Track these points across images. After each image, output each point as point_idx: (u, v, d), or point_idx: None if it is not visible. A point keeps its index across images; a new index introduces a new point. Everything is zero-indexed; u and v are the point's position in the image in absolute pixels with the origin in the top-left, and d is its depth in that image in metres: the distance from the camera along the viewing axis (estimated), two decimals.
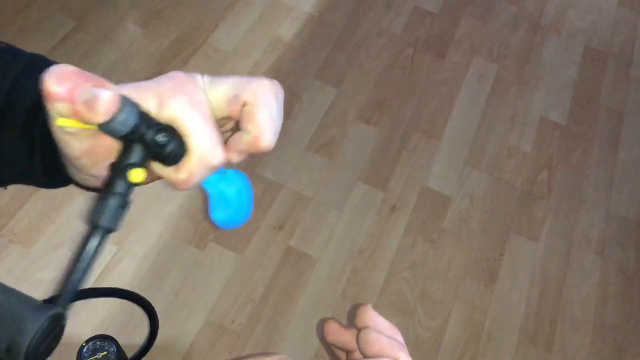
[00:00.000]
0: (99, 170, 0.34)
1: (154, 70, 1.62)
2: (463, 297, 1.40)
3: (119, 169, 0.31)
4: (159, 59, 1.65)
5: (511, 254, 1.48)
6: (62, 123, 0.29)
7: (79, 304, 1.24)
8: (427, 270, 1.42)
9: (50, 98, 0.28)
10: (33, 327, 0.29)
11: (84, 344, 1.04)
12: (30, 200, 1.35)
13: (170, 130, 0.32)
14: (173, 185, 0.33)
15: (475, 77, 1.81)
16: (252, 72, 1.67)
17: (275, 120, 0.34)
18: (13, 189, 1.36)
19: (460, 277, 1.43)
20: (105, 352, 1.04)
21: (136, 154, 0.31)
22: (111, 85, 0.29)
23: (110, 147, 0.32)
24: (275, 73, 1.69)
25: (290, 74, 1.70)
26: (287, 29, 1.79)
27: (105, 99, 0.28)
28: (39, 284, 1.25)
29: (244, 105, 0.34)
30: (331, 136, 1.59)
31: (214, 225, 0.38)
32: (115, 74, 1.60)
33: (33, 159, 0.37)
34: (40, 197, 1.36)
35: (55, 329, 0.31)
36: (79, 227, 1.35)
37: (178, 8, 1.77)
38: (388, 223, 1.47)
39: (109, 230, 0.31)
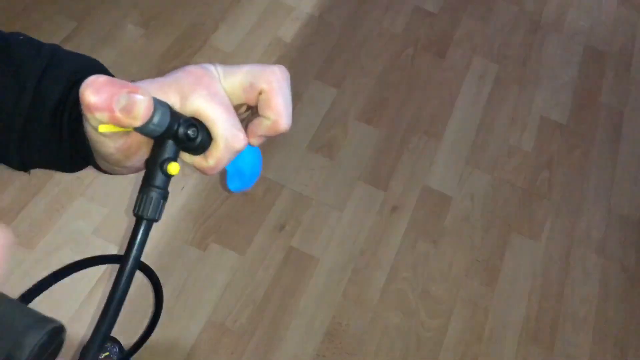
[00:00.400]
0: (130, 163, 0.36)
1: (155, 71, 1.63)
2: (464, 296, 1.40)
3: (156, 164, 0.33)
4: (159, 59, 1.65)
5: (512, 253, 1.49)
6: (104, 129, 0.31)
7: (79, 305, 1.24)
8: (428, 270, 1.43)
9: (90, 109, 0.30)
10: (32, 341, 0.29)
11: None
12: (32, 202, 1.35)
13: (197, 123, 0.34)
14: (202, 171, 0.36)
15: (475, 77, 1.81)
16: None
17: (289, 104, 0.37)
18: (14, 190, 1.36)
19: (461, 277, 1.43)
20: (107, 353, 1.04)
21: (170, 148, 0.34)
22: (143, 89, 0.31)
23: (142, 142, 0.35)
24: None
25: (290, 75, 1.69)
26: (288, 30, 1.79)
27: (141, 104, 0.30)
28: None
29: (260, 93, 0.37)
30: (332, 136, 1.59)
31: (228, 192, 0.42)
32: (116, 75, 1.59)
33: (62, 149, 0.39)
34: (42, 199, 1.36)
35: (54, 343, 0.30)
36: (80, 228, 1.35)
37: (178, 9, 1.77)
38: (389, 223, 1.47)
39: (153, 221, 0.34)
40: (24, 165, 0.41)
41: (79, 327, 1.22)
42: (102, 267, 1.30)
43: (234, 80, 0.36)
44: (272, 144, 1.54)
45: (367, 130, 1.62)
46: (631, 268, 1.51)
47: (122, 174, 0.40)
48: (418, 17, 1.91)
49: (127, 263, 0.33)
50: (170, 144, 0.33)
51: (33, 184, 1.38)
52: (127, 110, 0.30)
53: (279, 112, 0.36)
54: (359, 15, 1.88)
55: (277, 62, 1.71)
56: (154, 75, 0.36)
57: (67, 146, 0.40)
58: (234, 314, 1.30)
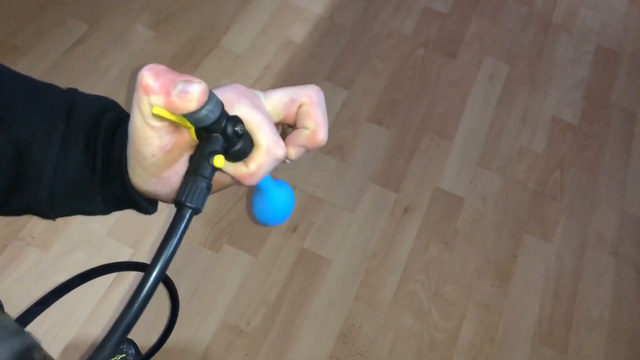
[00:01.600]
0: (168, 173, 0.36)
1: None
2: (477, 298, 1.40)
3: (204, 155, 0.33)
4: (170, 61, 1.65)
5: (525, 254, 1.48)
6: (157, 111, 0.31)
7: (94, 306, 1.25)
8: (440, 271, 1.42)
9: (147, 91, 0.31)
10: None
11: None
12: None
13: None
14: (240, 180, 0.36)
15: (486, 77, 1.81)
16: (264, 75, 1.68)
17: (327, 119, 0.39)
18: None
19: (473, 278, 1.43)
20: (123, 355, 1.04)
21: (218, 142, 0.33)
22: (198, 80, 0.32)
23: (184, 147, 0.35)
24: (286, 75, 1.69)
25: (301, 76, 1.70)
26: (298, 31, 1.80)
27: (198, 89, 0.30)
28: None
29: (300, 106, 0.38)
30: (343, 138, 1.59)
31: (255, 221, 0.42)
32: (127, 77, 1.60)
33: (94, 177, 0.39)
34: None
35: None
36: (94, 230, 1.36)
37: (189, 11, 1.78)
38: (401, 224, 1.47)
39: (197, 211, 0.33)
40: (52, 203, 0.40)
41: (94, 327, 1.23)
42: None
43: (274, 97, 0.38)
44: None
45: (378, 131, 1.62)
46: None
47: (156, 197, 0.39)
48: (428, 17, 1.91)
49: (164, 250, 0.31)
50: (218, 138, 0.33)
51: None
52: (184, 93, 0.30)
53: (318, 121, 0.38)
54: (368, 16, 1.88)
55: (288, 63, 1.71)
56: None
57: (100, 178, 0.39)
58: (248, 316, 1.30)
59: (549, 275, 1.46)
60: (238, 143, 0.34)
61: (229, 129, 0.33)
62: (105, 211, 0.42)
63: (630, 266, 1.50)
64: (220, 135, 0.33)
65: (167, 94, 0.31)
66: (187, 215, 0.32)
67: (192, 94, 0.30)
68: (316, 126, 0.38)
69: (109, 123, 0.39)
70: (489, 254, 1.47)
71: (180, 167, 0.36)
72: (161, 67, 0.31)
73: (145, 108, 0.32)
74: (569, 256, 1.50)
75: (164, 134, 0.34)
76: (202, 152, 0.33)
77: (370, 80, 1.73)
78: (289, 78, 1.69)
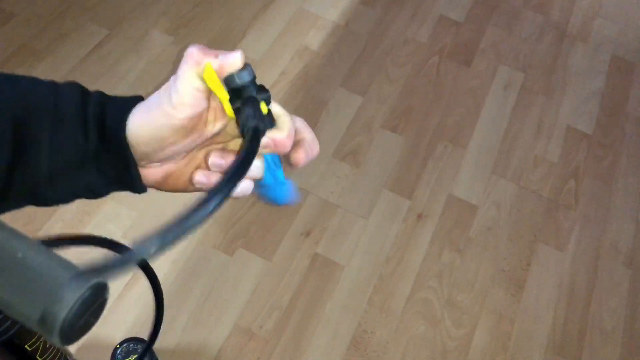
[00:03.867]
0: (185, 145, 0.40)
1: None
2: (490, 306, 1.40)
3: (251, 103, 0.37)
4: None
5: (538, 263, 1.48)
6: (209, 72, 0.36)
7: (111, 308, 1.26)
8: (453, 279, 1.42)
9: (201, 56, 0.37)
10: (72, 296, 0.25)
11: (118, 345, 1.06)
12: (64, 206, 1.38)
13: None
14: (279, 145, 0.39)
15: (501, 86, 1.81)
16: (279, 80, 1.69)
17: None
18: None
19: (487, 287, 1.42)
20: (137, 355, 1.05)
21: (255, 103, 0.37)
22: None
23: (200, 128, 0.39)
24: (301, 81, 1.70)
25: (316, 82, 1.71)
26: (314, 38, 1.81)
27: (238, 53, 0.37)
28: None
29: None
30: (357, 144, 1.60)
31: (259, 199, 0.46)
32: (145, 82, 1.63)
33: (88, 145, 0.40)
34: (73, 203, 1.39)
35: (96, 302, 0.27)
36: (110, 232, 1.37)
37: (207, 17, 1.80)
38: (414, 231, 1.48)
39: (263, 133, 0.37)
40: (52, 179, 0.40)
41: (109, 329, 1.24)
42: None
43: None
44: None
45: (393, 138, 1.63)
46: None
47: (152, 180, 0.43)
48: (443, 26, 1.92)
49: (234, 171, 0.33)
50: (254, 99, 0.37)
51: None
52: (230, 55, 0.36)
53: (313, 135, 0.44)
54: (384, 24, 1.89)
55: (304, 69, 1.73)
56: None
57: (94, 146, 0.41)
58: (260, 320, 1.31)
59: (562, 284, 1.46)
60: (267, 106, 0.38)
61: (261, 92, 0.37)
62: (102, 186, 0.43)
63: None
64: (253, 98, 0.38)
65: (217, 56, 0.36)
66: (258, 138, 0.36)
67: (236, 54, 0.37)
68: (313, 137, 0.43)
69: (98, 97, 0.41)
70: (502, 263, 1.46)
71: (197, 140, 0.40)
72: (203, 45, 0.38)
73: (192, 75, 0.37)
74: (583, 266, 1.49)
75: (199, 100, 0.38)
76: (247, 107, 0.37)
77: (385, 88, 1.74)
78: (305, 84, 1.70)
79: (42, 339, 0.65)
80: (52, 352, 0.70)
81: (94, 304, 0.27)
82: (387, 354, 1.31)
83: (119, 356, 1.05)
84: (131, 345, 1.07)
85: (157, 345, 1.23)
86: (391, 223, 1.48)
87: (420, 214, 1.51)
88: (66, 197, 0.43)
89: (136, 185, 0.44)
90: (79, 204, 1.39)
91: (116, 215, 1.40)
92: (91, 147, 0.40)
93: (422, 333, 1.34)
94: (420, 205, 1.52)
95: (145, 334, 1.17)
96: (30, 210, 1.45)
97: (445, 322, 1.36)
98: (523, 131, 1.72)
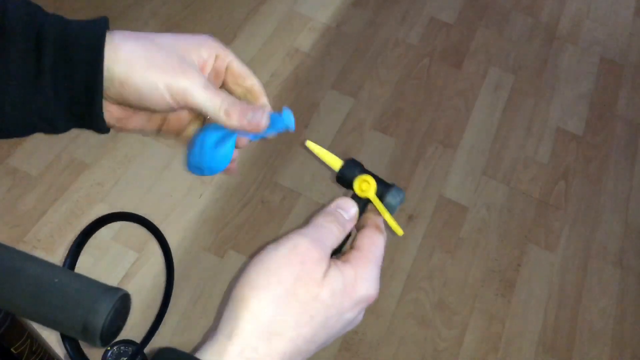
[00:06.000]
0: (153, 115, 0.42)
1: None
2: (480, 307, 1.40)
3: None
4: None
5: (528, 264, 1.48)
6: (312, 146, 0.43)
7: None
8: (444, 280, 1.43)
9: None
10: (106, 307, 0.31)
11: (109, 348, 1.05)
12: (53, 207, 1.37)
13: None
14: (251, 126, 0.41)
15: (491, 88, 1.82)
16: (270, 82, 1.69)
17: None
18: (36, 195, 1.38)
19: (477, 287, 1.43)
20: (127, 358, 1.04)
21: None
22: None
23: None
24: (292, 83, 1.70)
25: (307, 84, 1.71)
26: (305, 40, 1.81)
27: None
28: None
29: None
30: (348, 145, 1.60)
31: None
32: None
33: (41, 80, 0.36)
34: (63, 204, 1.38)
35: (124, 309, 0.33)
36: (100, 234, 1.36)
37: (197, 18, 1.80)
38: (405, 232, 1.48)
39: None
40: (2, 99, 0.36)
41: None
42: (123, 272, 1.32)
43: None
44: (289, 152, 1.56)
45: (384, 139, 1.63)
46: None
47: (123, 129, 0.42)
48: (434, 27, 1.93)
49: None
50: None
51: (54, 189, 1.40)
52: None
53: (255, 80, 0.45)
54: (375, 26, 1.89)
55: (294, 71, 1.73)
56: None
57: (50, 78, 0.36)
58: None
59: (552, 285, 1.46)
60: None
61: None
62: (58, 115, 0.38)
63: (634, 277, 1.50)
64: None
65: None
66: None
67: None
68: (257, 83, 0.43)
69: (57, 29, 0.37)
70: (493, 263, 1.47)
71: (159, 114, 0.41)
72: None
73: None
74: (572, 266, 1.50)
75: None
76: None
77: (376, 89, 1.74)
78: (296, 86, 1.70)
79: (28, 341, 0.65)
80: (39, 355, 0.69)
81: (122, 312, 0.33)
82: (377, 356, 1.31)
83: (110, 359, 1.04)
84: (122, 347, 1.06)
85: (147, 347, 1.22)
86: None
87: (411, 215, 1.51)
88: (20, 126, 0.37)
89: (98, 119, 0.38)
90: (69, 207, 1.38)
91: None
92: (46, 61, 0.35)
93: (413, 334, 1.34)
94: (411, 206, 1.53)
95: (136, 336, 1.17)
96: (17, 213, 1.43)
97: (436, 322, 1.36)
98: (513, 132, 1.73)
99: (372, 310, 1.36)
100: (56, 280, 0.32)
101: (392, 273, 1.41)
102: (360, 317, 0.37)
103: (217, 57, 0.42)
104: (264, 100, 0.43)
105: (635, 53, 2.00)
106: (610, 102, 1.86)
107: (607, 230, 1.57)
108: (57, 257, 1.31)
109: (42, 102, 0.36)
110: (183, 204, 1.43)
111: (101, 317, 0.31)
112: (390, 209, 0.41)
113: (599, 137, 1.77)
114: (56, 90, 0.36)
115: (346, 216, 0.39)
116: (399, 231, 0.40)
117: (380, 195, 0.41)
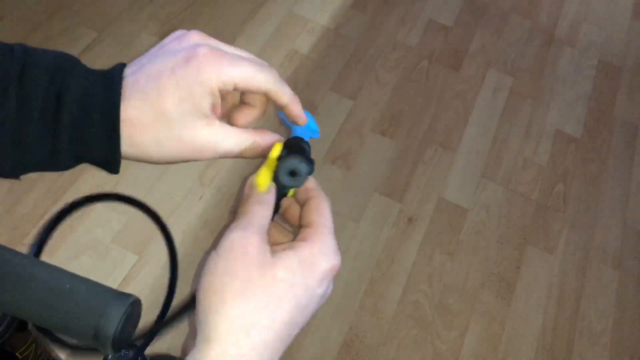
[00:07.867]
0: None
1: None
2: (480, 309, 1.40)
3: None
4: None
5: (528, 266, 1.49)
6: (275, 152, 0.40)
7: None
8: (444, 282, 1.43)
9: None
10: (118, 313, 0.31)
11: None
12: (53, 209, 1.37)
13: None
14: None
15: (490, 90, 1.82)
16: None
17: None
18: (36, 197, 1.38)
19: (477, 289, 1.43)
20: None
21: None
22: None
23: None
24: (292, 85, 1.69)
25: (306, 86, 1.71)
26: (304, 42, 1.81)
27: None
28: None
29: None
30: (347, 148, 1.60)
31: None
32: None
33: (58, 146, 0.37)
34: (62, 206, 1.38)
35: (135, 314, 0.33)
36: (99, 236, 1.36)
37: (196, 20, 1.80)
38: (405, 234, 1.48)
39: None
40: (16, 170, 0.38)
41: None
42: (122, 275, 1.31)
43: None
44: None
45: (383, 141, 1.63)
46: None
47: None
48: (433, 30, 1.93)
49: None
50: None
51: (54, 192, 1.40)
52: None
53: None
54: (374, 28, 1.90)
55: (294, 73, 1.73)
56: None
57: (66, 141, 0.37)
58: None
59: (552, 287, 1.46)
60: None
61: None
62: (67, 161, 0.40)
63: (633, 279, 1.50)
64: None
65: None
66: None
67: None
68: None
69: (76, 94, 0.37)
70: (492, 265, 1.47)
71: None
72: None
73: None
74: (572, 268, 1.50)
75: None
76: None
77: (375, 92, 1.74)
78: (295, 88, 1.69)
79: (33, 346, 0.65)
80: (43, 359, 0.69)
81: (133, 318, 0.33)
82: (378, 358, 1.31)
83: None
84: (123, 351, 1.06)
85: (147, 351, 1.21)
86: (382, 226, 1.48)
87: (410, 217, 1.51)
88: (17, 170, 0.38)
89: (114, 167, 0.40)
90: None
91: (106, 220, 1.39)
92: (62, 148, 0.37)
93: (413, 336, 1.34)
94: (410, 208, 1.53)
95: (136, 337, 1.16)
96: (16, 215, 1.43)
97: (436, 324, 1.36)
98: (512, 135, 1.73)
99: (373, 312, 1.36)
100: (67, 285, 0.32)
101: (392, 275, 1.41)
102: (331, 288, 0.38)
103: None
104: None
105: (633, 56, 2.00)
106: (608, 104, 1.86)
107: (606, 232, 1.58)
108: (55, 259, 1.31)
109: (57, 165, 0.39)
110: (183, 206, 1.43)
111: (113, 323, 0.31)
112: (283, 174, 0.38)
113: (597, 140, 1.77)
114: (75, 159, 0.39)
115: (260, 190, 0.39)
116: (262, 187, 0.38)
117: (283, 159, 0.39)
